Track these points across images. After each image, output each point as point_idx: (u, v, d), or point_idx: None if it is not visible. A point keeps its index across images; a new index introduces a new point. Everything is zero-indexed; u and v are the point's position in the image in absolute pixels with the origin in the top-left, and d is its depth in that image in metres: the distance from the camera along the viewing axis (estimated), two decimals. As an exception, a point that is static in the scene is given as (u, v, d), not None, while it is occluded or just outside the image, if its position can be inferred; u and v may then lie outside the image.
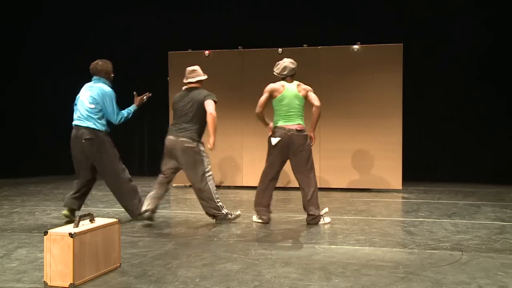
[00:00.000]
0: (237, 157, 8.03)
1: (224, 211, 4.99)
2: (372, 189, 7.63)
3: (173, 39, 9.19)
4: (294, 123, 4.92)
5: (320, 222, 5.01)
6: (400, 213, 5.76)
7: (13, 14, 9.38)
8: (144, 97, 5.32)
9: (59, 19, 9.73)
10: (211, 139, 4.80)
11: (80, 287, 3.02)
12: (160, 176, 5.03)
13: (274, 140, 4.91)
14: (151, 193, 4.96)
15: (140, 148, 10.09)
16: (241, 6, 9.18)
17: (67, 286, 2.97)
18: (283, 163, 5.05)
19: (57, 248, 3.00)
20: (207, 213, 5.02)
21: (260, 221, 5.07)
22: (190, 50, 8.17)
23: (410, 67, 7.88)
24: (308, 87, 5.07)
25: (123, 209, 5.26)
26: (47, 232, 3.05)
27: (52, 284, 3.01)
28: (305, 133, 4.95)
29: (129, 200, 5.09)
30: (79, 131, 4.96)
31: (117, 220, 3.46)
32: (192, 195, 7.22)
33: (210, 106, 4.84)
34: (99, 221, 3.35)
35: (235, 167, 8.07)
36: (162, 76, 8.52)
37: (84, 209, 5.86)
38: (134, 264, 3.50)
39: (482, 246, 4.06)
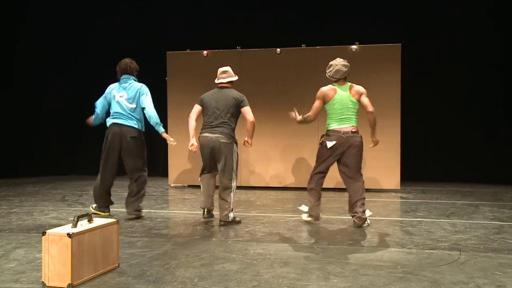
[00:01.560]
0: (236, 157, 8.02)
1: (232, 214, 5.03)
2: (370, 189, 7.63)
3: (172, 39, 9.18)
4: (348, 125, 4.86)
5: (364, 225, 4.92)
6: (398, 213, 5.77)
7: (8, 12, 9.37)
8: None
9: (57, 19, 9.72)
10: (250, 140, 5.21)
11: (78, 287, 3.02)
12: (205, 174, 5.22)
13: (330, 143, 4.86)
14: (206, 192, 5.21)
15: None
16: (239, 6, 9.17)
17: (65, 287, 2.97)
18: (331, 166, 5.03)
19: (55, 249, 3.00)
20: (220, 216, 5.01)
21: (310, 219, 5.03)
22: (188, 50, 8.17)
23: (408, 67, 7.89)
24: (362, 89, 4.95)
25: (122, 210, 5.29)
26: (45, 232, 3.05)
27: (50, 284, 3.00)
28: (360, 135, 4.88)
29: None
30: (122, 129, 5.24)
31: (116, 220, 3.46)
32: (191, 195, 7.23)
33: (249, 112, 5.10)
34: (98, 221, 3.35)
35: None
36: (160, 76, 8.52)
37: (82, 210, 5.88)
38: (132, 264, 3.50)
39: (480, 246, 4.07)
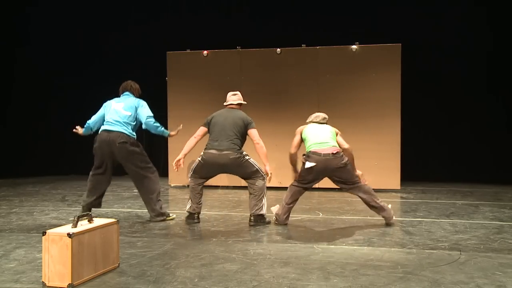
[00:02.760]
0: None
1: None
2: (370, 189, 7.64)
3: (172, 39, 9.19)
4: (328, 146, 4.80)
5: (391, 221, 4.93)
6: (399, 213, 5.77)
7: (13, 12, 9.38)
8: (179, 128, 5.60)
9: (55, 20, 9.72)
10: (267, 166, 4.98)
11: (78, 287, 3.02)
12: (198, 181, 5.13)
13: (309, 164, 4.80)
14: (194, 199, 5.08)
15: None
16: (239, 6, 9.17)
17: (66, 287, 2.97)
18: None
19: (56, 249, 3.00)
20: (251, 216, 4.98)
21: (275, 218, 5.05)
22: (188, 50, 8.17)
23: (409, 67, 7.89)
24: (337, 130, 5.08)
25: (121, 210, 5.28)
26: (46, 232, 3.05)
27: (51, 284, 3.00)
28: (341, 154, 4.81)
29: None
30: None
31: (116, 220, 3.46)
32: (190, 195, 7.23)
33: (256, 135, 5.05)
34: (98, 221, 3.35)
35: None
36: (160, 76, 8.52)
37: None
38: (132, 264, 3.50)
39: (480, 246, 4.07)
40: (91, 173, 5.29)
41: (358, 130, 7.56)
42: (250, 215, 4.99)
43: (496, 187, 7.92)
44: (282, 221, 4.98)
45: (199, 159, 5.05)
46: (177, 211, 5.88)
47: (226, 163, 4.90)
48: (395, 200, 6.80)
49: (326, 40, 8.05)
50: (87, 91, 9.66)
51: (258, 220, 4.96)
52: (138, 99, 5.28)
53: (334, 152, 4.76)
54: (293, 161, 5.03)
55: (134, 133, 5.23)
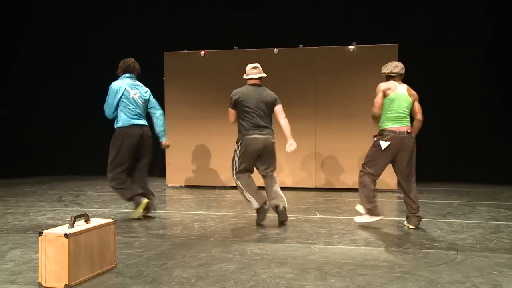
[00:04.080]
0: (233, 157, 8.02)
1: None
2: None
3: (169, 39, 9.18)
4: (403, 125, 4.81)
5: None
6: (396, 213, 5.78)
7: (6, 21, 9.35)
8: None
9: (57, 22, 9.70)
10: (291, 140, 5.01)
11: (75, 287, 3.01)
12: (245, 174, 5.04)
13: (384, 144, 4.78)
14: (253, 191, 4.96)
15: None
16: (237, 6, 9.17)
17: (62, 287, 2.96)
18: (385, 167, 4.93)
19: (52, 249, 2.99)
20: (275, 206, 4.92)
21: (377, 218, 4.84)
22: (185, 50, 8.16)
23: (406, 67, 7.88)
24: (416, 94, 4.97)
25: (118, 210, 5.27)
26: (42, 232, 3.04)
27: (47, 285, 2.99)
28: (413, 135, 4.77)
29: None
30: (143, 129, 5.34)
31: (113, 220, 3.45)
32: (188, 196, 7.23)
33: (283, 112, 5.12)
34: (95, 222, 3.34)
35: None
36: (157, 76, 8.51)
37: (79, 210, 5.86)
38: (129, 264, 3.49)
39: (477, 245, 4.08)
40: (119, 170, 5.19)
41: (355, 130, 7.57)
42: (278, 206, 4.88)
43: (492, 187, 7.94)
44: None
45: (239, 149, 4.99)
46: (174, 211, 5.88)
47: (265, 147, 4.93)
48: (392, 200, 6.81)
49: (323, 40, 8.05)
50: (83, 91, 9.65)
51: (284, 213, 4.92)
52: (147, 88, 5.50)
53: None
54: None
55: None
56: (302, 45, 7.82)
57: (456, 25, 8.60)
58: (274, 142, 5.05)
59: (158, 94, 8.29)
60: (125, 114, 5.21)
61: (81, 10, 9.69)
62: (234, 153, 5.06)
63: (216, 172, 8.04)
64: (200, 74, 8.09)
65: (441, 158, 8.87)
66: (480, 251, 3.87)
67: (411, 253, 3.83)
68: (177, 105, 8.15)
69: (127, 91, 5.26)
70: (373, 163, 4.85)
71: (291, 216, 5.38)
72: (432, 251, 3.88)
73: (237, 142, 5.05)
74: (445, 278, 3.16)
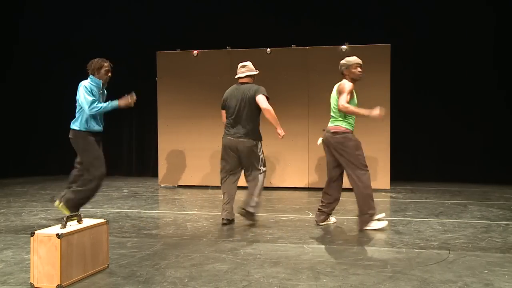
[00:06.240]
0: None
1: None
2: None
3: (162, 38, 9.15)
4: (331, 124, 4.84)
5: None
6: (388, 212, 5.80)
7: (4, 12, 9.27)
8: (131, 100, 5.18)
9: (45, 18, 9.64)
10: (279, 130, 4.90)
11: (67, 288, 3.00)
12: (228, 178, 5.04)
13: (318, 141, 4.87)
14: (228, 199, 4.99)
15: (129, 148, 10.02)
16: (229, 6, 9.16)
17: (54, 288, 2.95)
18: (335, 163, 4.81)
19: (44, 249, 2.97)
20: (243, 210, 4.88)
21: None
22: (178, 50, 8.14)
23: (398, 67, 7.93)
24: (341, 85, 5.02)
25: (111, 210, 5.24)
26: (34, 233, 3.02)
27: (39, 285, 2.98)
28: (342, 135, 4.72)
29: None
30: None
31: (105, 220, 3.44)
32: (181, 196, 7.21)
33: (263, 101, 4.81)
34: (87, 222, 3.33)
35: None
36: (150, 76, 8.49)
37: (71, 210, 5.82)
38: (122, 264, 3.48)
39: (469, 244, 4.11)
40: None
41: (348, 130, 7.58)
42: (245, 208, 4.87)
43: (484, 187, 8.00)
44: None
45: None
46: (167, 211, 5.86)
47: (239, 149, 4.86)
48: (385, 199, 6.84)
49: (316, 40, 8.07)
50: (75, 91, 9.58)
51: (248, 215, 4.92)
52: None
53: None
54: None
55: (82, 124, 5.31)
56: (294, 45, 7.82)
57: (447, 25, 8.64)
58: (253, 145, 4.86)
59: (151, 93, 8.32)
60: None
61: (74, 8, 9.62)
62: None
63: (209, 172, 8.03)
64: (193, 74, 8.08)
65: (434, 158, 8.92)
66: (472, 250, 3.90)
67: (404, 252, 3.85)
68: (170, 105, 8.13)
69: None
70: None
71: (284, 216, 5.39)
72: (424, 250, 3.90)
73: None
74: (437, 277, 3.18)
